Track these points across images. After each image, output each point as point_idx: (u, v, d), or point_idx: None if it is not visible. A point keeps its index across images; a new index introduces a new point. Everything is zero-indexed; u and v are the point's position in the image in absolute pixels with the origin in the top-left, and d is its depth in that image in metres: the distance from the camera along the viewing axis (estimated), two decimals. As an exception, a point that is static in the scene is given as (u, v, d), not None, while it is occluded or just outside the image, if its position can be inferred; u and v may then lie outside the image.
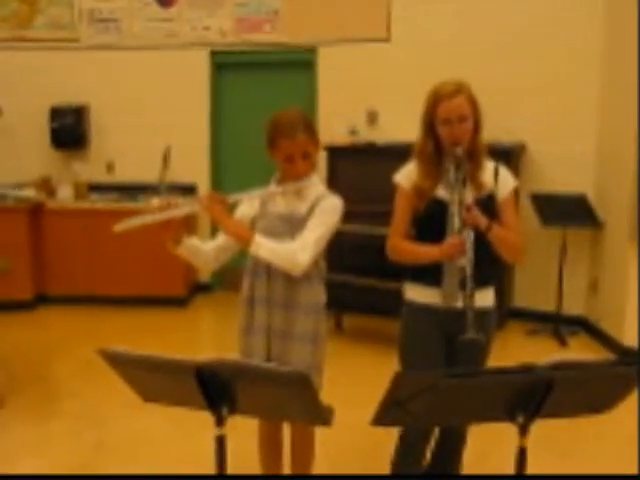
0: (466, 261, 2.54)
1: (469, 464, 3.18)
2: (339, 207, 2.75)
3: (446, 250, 2.59)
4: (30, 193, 6.73)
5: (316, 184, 2.78)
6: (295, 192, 2.72)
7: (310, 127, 2.72)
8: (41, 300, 6.72)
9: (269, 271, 2.73)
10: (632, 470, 3.52)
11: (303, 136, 2.67)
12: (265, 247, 2.59)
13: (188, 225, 6.20)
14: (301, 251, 2.61)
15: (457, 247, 2.55)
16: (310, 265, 2.67)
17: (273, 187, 2.75)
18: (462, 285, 2.56)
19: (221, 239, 2.79)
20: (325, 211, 2.70)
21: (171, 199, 2.72)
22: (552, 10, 6.00)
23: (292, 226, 2.70)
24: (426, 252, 2.70)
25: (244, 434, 2.97)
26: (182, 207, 2.66)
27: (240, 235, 2.63)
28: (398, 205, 2.83)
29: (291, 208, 2.74)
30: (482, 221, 2.62)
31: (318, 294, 2.82)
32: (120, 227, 2.61)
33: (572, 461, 3.72)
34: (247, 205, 2.81)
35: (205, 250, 2.79)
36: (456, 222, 2.59)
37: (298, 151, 2.66)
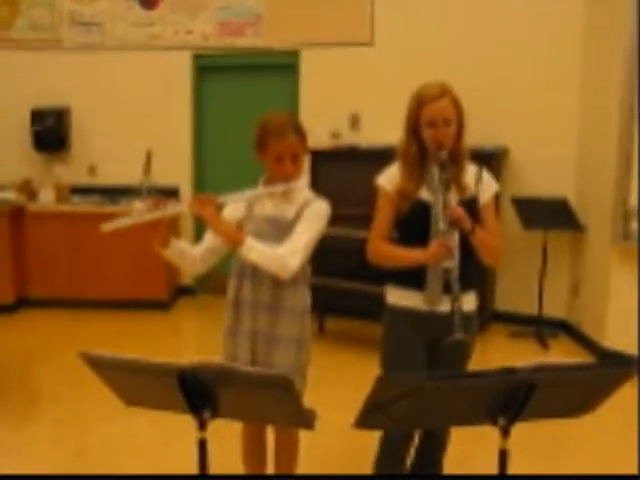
0: (452, 262, 2.55)
1: (451, 466, 3.19)
2: (327, 211, 2.76)
3: (432, 253, 2.59)
4: (11, 196, 6.68)
5: (304, 187, 2.79)
6: (283, 193, 2.72)
7: (300, 130, 2.72)
8: (23, 303, 6.67)
9: (255, 274, 2.72)
10: (617, 471, 3.56)
11: (293, 137, 2.67)
12: (255, 250, 2.58)
13: (172, 228, 6.18)
14: (291, 256, 2.61)
15: (443, 249, 2.55)
16: (299, 269, 2.67)
17: (262, 188, 2.76)
18: (446, 288, 2.57)
19: (208, 241, 2.78)
20: (313, 215, 2.71)
21: (158, 200, 2.69)
22: (533, 16, 6.04)
23: (279, 229, 2.70)
24: (410, 256, 2.69)
25: (228, 437, 2.97)
26: (170, 207, 2.65)
27: (231, 237, 2.61)
28: (380, 207, 2.82)
29: (278, 211, 2.74)
30: (467, 221, 2.62)
31: (303, 297, 2.81)
32: (108, 227, 2.59)
33: (557, 462, 3.75)
34: (233, 207, 2.79)
35: (192, 253, 2.78)
36: (441, 224, 2.59)
37: (287, 152, 2.66)
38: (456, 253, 2.57)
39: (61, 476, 3.55)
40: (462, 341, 2.49)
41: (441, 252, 2.56)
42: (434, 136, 2.66)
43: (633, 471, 3.53)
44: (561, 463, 3.75)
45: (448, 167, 2.65)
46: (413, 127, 2.72)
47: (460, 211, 2.61)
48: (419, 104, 2.68)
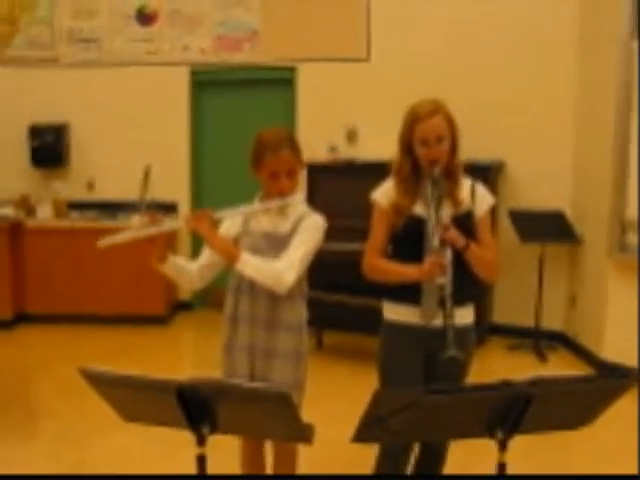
0: (446, 279, 2.56)
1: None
2: (322, 225, 2.77)
3: (426, 270, 2.60)
4: (9, 212, 6.69)
5: (300, 202, 2.80)
6: (279, 209, 2.73)
7: (295, 146, 2.74)
8: (21, 319, 6.66)
9: (252, 289, 2.73)
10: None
11: (288, 153, 2.68)
12: (252, 265, 2.59)
13: (169, 244, 6.19)
14: (287, 270, 2.62)
15: (437, 266, 2.56)
16: (295, 284, 2.68)
17: (257, 204, 2.77)
18: (441, 303, 2.58)
19: (205, 257, 2.79)
20: (309, 229, 2.72)
21: (154, 214, 2.71)
22: (528, 30, 6.08)
23: (275, 244, 2.71)
24: (404, 272, 2.70)
25: (226, 453, 2.96)
26: (166, 224, 2.66)
27: (227, 252, 2.62)
28: (375, 223, 2.84)
29: (274, 226, 2.75)
30: (460, 240, 2.63)
31: (300, 312, 2.82)
32: (104, 243, 2.60)
33: (557, 472, 3.74)
34: (230, 223, 2.80)
35: (190, 269, 2.79)
36: (435, 241, 2.61)
37: (283, 168, 2.67)
38: (449, 270, 2.57)
39: (61, 476, 3.57)
40: (455, 358, 2.49)
41: (434, 270, 2.57)
42: (427, 154, 2.68)
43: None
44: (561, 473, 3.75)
45: (441, 184, 2.67)
46: (407, 144, 2.74)
47: (453, 232, 2.62)
48: (412, 121, 2.70)
